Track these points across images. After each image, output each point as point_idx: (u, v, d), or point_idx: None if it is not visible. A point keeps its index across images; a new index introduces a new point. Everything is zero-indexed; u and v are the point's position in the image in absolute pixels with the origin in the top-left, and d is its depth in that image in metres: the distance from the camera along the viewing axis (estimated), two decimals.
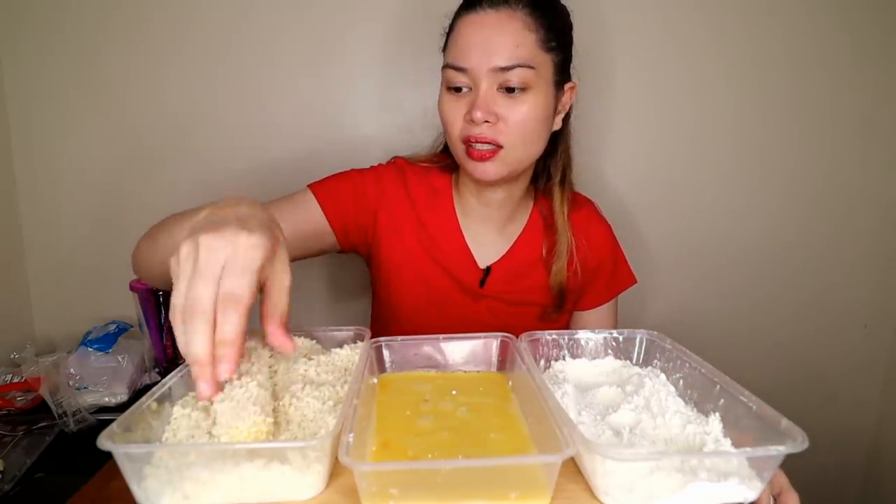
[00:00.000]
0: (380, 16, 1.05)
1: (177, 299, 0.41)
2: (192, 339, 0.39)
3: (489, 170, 0.72)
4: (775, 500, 0.48)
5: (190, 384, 0.47)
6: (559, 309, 0.85)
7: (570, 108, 0.78)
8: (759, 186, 1.15)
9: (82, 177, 1.08)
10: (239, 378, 0.44)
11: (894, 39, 1.10)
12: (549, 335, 0.60)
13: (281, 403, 0.47)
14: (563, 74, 0.74)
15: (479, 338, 0.61)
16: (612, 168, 1.13)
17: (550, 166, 0.83)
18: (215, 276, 0.40)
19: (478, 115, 0.68)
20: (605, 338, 0.62)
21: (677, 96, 1.11)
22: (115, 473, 0.40)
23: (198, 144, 1.08)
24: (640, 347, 0.61)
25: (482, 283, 0.82)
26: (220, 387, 0.42)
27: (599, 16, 1.05)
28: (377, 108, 1.09)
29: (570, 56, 0.76)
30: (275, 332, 0.46)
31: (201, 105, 1.07)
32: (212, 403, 0.43)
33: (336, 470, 0.44)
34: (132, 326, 1.06)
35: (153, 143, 1.08)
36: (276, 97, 1.07)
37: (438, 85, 0.76)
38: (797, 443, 0.39)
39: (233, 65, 1.06)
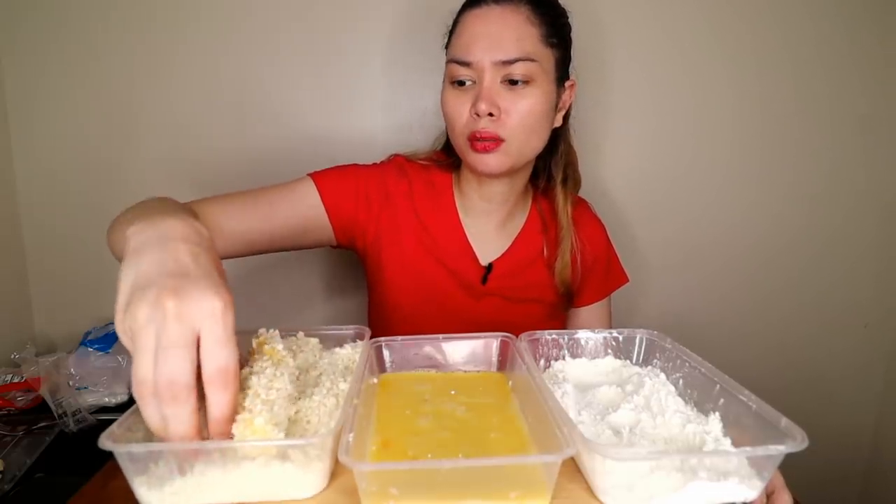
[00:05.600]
0: (379, 15, 1.06)
1: (142, 374, 0.36)
2: (176, 421, 0.36)
3: (492, 162, 0.72)
4: (768, 498, 0.48)
5: None
6: (567, 306, 0.88)
7: (570, 106, 0.80)
8: (758, 185, 1.15)
9: (82, 176, 1.08)
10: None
11: (893, 37, 1.10)
12: (548, 335, 0.60)
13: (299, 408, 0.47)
14: (563, 71, 0.76)
15: (479, 338, 0.61)
16: (608, 167, 1.13)
17: (551, 165, 0.84)
18: (189, 346, 0.36)
19: (482, 106, 0.69)
20: (604, 337, 0.62)
21: (674, 96, 1.11)
22: (115, 473, 0.40)
23: (199, 144, 1.08)
24: (639, 347, 0.61)
25: (484, 280, 0.82)
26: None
27: (596, 17, 1.06)
28: (375, 108, 1.09)
29: (570, 55, 0.77)
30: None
31: (203, 103, 1.07)
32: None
33: (337, 469, 0.44)
34: None
35: (154, 143, 1.07)
36: (278, 95, 1.07)
37: (436, 87, 0.76)
38: (797, 442, 0.39)
39: (234, 63, 1.05)
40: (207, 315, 0.37)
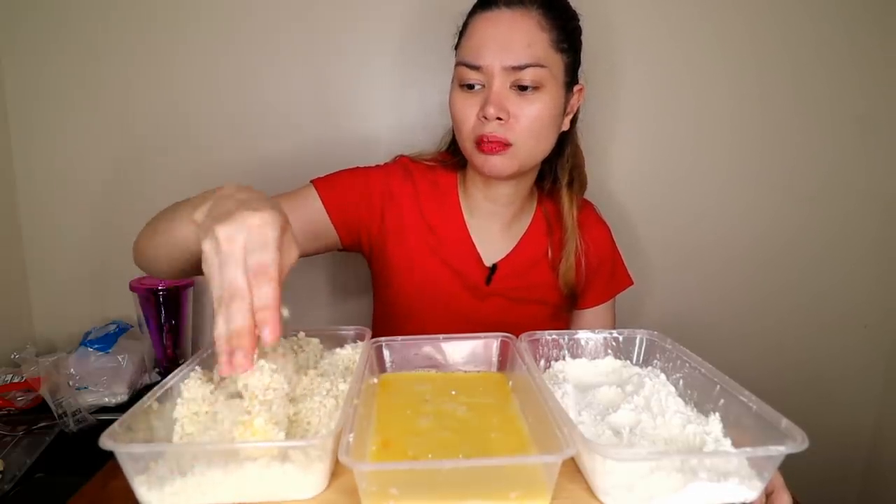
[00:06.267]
0: (380, 15, 1.05)
1: (215, 292, 0.43)
2: (234, 316, 0.41)
3: (498, 164, 0.72)
4: (768, 497, 0.48)
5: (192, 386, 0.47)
6: (571, 308, 0.88)
7: (578, 110, 0.79)
8: (758, 186, 1.15)
9: (82, 177, 1.08)
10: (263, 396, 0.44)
11: (893, 38, 1.10)
12: (549, 335, 0.60)
13: (298, 409, 0.47)
14: (572, 76, 0.75)
15: (479, 338, 0.61)
16: (612, 169, 1.13)
17: (557, 168, 0.84)
18: (240, 259, 0.43)
19: (490, 110, 0.69)
20: (605, 338, 0.62)
21: (681, 98, 1.11)
22: (116, 473, 0.40)
23: (199, 144, 1.08)
24: (640, 347, 0.61)
25: (488, 280, 0.82)
26: (251, 362, 0.42)
27: (605, 20, 1.05)
28: (378, 109, 1.09)
29: (580, 59, 0.77)
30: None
31: (203, 104, 1.07)
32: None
33: (337, 469, 0.44)
34: (132, 326, 1.06)
35: (154, 143, 1.07)
36: (279, 95, 1.07)
37: (440, 87, 0.76)
38: (797, 443, 0.39)
39: (235, 63, 1.05)
40: (245, 230, 0.43)
